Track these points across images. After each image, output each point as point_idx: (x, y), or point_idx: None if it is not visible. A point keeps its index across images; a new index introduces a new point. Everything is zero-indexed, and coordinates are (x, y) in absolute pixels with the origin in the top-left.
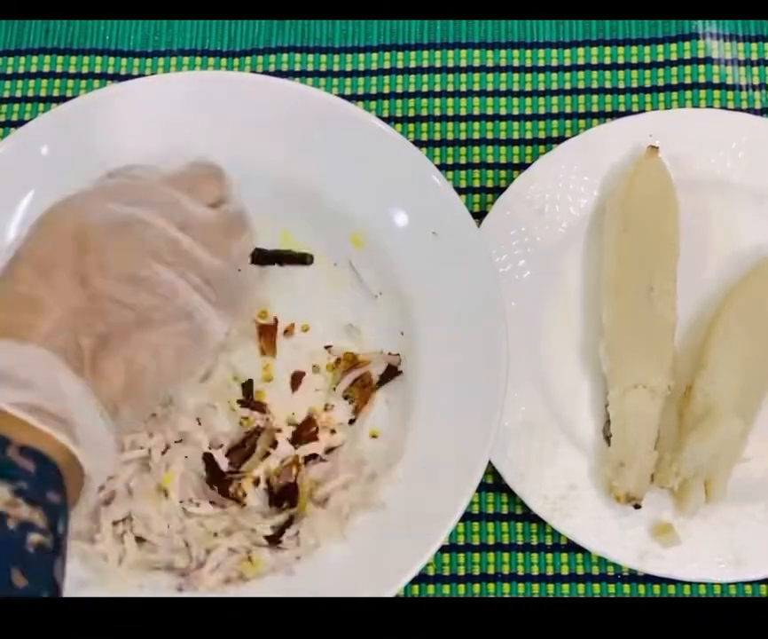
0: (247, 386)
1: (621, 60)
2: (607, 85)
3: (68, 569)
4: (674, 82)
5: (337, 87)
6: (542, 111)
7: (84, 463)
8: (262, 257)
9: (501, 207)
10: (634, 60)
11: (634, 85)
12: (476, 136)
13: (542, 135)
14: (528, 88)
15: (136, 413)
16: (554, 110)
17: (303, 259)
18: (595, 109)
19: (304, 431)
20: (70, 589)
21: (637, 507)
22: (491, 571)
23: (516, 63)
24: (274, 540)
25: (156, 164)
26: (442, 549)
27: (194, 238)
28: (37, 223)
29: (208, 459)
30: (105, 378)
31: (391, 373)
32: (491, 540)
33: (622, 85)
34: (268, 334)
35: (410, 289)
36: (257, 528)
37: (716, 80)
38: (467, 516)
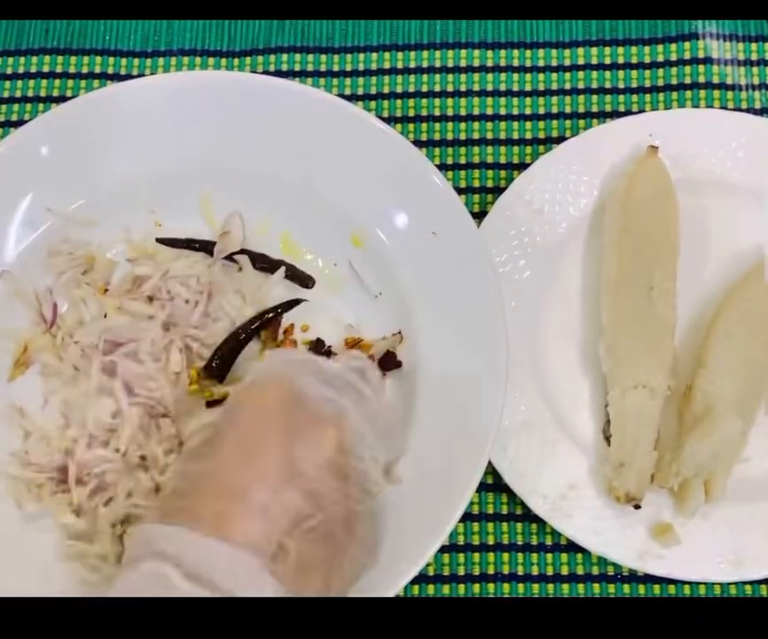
0: None
1: (621, 60)
2: (607, 85)
3: (69, 569)
4: (674, 82)
5: (337, 87)
6: (542, 111)
7: None
8: (267, 264)
9: (501, 207)
10: (634, 60)
11: (634, 85)
12: (476, 136)
13: (542, 135)
14: (528, 88)
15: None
16: (554, 110)
17: (305, 282)
18: (595, 109)
19: None
20: (70, 590)
21: (637, 507)
22: (491, 571)
23: (516, 63)
24: None
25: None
26: (442, 549)
27: (373, 431)
28: (238, 398)
29: None
30: (304, 588)
31: (390, 360)
32: (491, 540)
33: (621, 85)
34: (271, 327)
35: (410, 289)
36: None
37: (716, 80)
38: (467, 516)
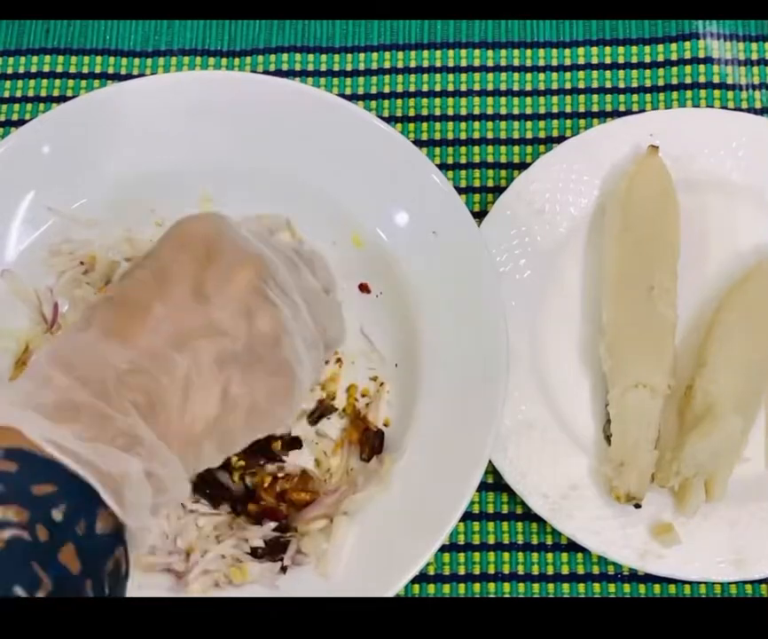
0: None
1: (621, 60)
2: (607, 85)
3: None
4: (674, 81)
5: (337, 87)
6: (542, 110)
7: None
8: None
9: (501, 206)
10: (634, 60)
11: (634, 85)
12: (476, 135)
13: (542, 134)
14: (529, 87)
15: (219, 450)
16: (554, 110)
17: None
18: (595, 109)
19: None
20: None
21: (637, 506)
22: (492, 570)
23: (516, 63)
24: (260, 555)
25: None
26: (443, 549)
27: (307, 309)
28: (168, 230)
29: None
30: (193, 412)
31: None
32: (492, 540)
33: (622, 85)
34: None
35: (410, 289)
36: (249, 538)
37: (716, 80)
38: (468, 516)
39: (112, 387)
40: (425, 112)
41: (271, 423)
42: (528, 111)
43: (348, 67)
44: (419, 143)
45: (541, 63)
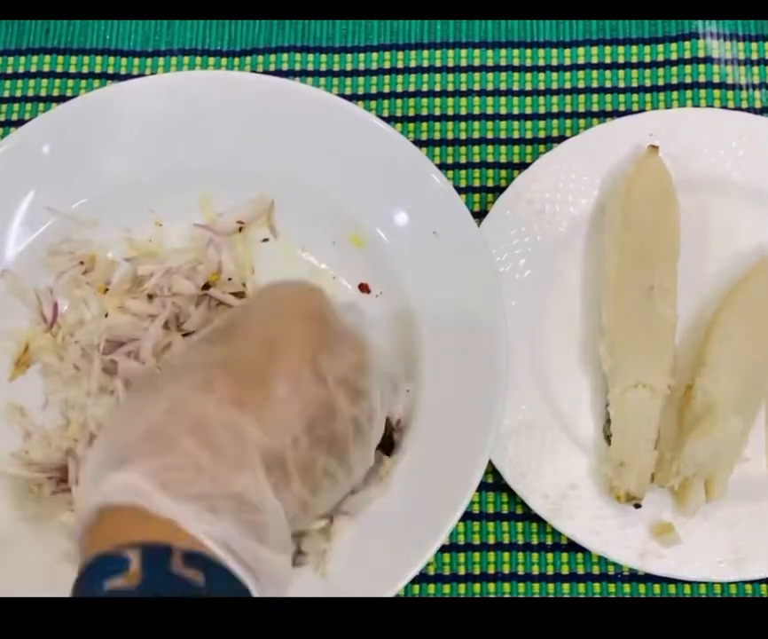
0: None
1: (621, 60)
2: (607, 85)
3: (69, 570)
4: (674, 81)
5: (337, 87)
6: (542, 110)
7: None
8: None
9: (501, 206)
10: (634, 60)
11: (634, 85)
12: (476, 135)
13: (542, 134)
14: (529, 87)
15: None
16: (554, 109)
17: None
18: (595, 109)
19: None
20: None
21: (637, 506)
22: (492, 570)
23: (516, 62)
24: None
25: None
26: (443, 549)
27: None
28: (270, 293)
29: None
30: (296, 495)
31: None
32: (492, 540)
33: (622, 85)
34: None
35: (410, 289)
36: None
37: (716, 79)
38: (468, 516)
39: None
40: (425, 112)
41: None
42: (528, 111)
43: (348, 67)
44: (418, 143)
45: (541, 63)
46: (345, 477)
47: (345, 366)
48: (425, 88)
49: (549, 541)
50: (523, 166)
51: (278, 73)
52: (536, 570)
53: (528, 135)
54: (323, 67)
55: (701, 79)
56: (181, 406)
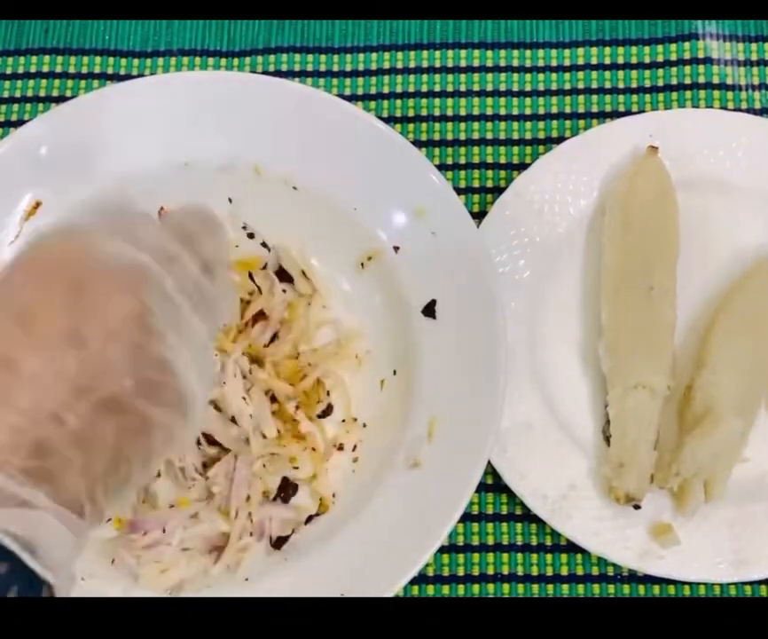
0: None
1: (620, 60)
2: (607, 85)
3: None
4: (674, 82)
5: (337, 87)
6: (541, 111)
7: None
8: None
9: (501, 207)
10: (634, 60)
11: (634, 85)
12: (476, 136)
13: (541, 135)
14: (528, 88)
15: (116, 503)
16: (554, 110)
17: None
18: (595, 109)
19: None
20: None
21: (636, 507)
22: (491, 571)
23: (516, 63)
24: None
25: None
26: (442, 550)
27: (191, 305)
28: (21, 257)
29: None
30: (71, 477)
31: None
32: (491, 541)
33: (621, 85)
34: None
35: (409, 290)
36: None
37: (715, 80)
38: (467, 517)
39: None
40: (424, 112)
41: (167, 447)
42: (528, 111)
43: (348, 68)
44: (418, 143)
45: (540, 63)
46: (149, 436)
47: (113, 316)
48: (424, 88)
49: (548, 542)
50: (523, 167)
51: (278, 73)
52: (535, 571)
53: (528, 136)
54: (322, 68)
55: (701, 80)
56: None
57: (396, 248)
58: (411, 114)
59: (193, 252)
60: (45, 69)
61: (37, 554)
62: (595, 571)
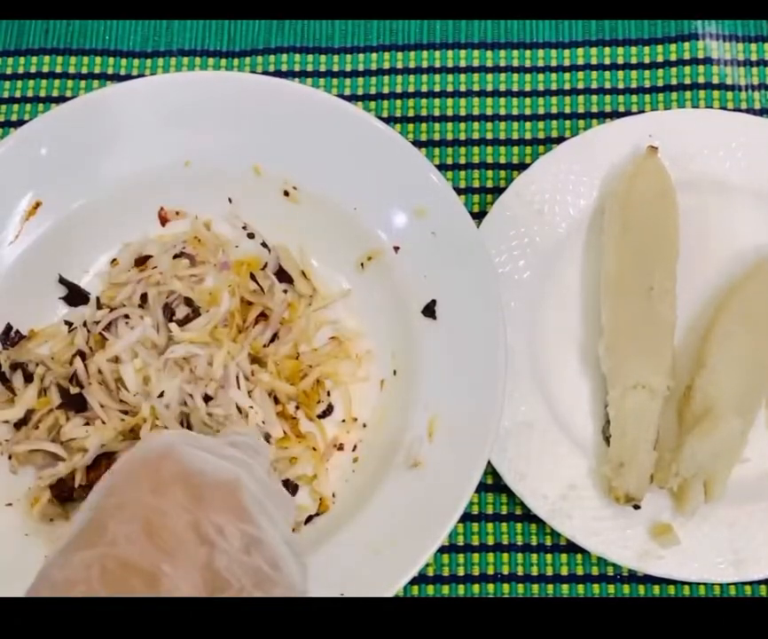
0: None
1: (620, 61)
2: (607, 85)
3: None
4: (673, 82)
5: (337, 87)
6: (541, 111)
7: None
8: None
9: (501, 207)
10: (633, 61)
11: (633, 85)
12: (476, 136)
13: (541, 135)
14: (528, 88)
15: None
16: (554, 110)
17: None
18: (594, 109)
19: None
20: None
21: (636, 507)
22: (491, 571)
23: (516, 63)
24: None
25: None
26: (442, 550)
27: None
28: (128, 469)
29: None
30: None
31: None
32: (491, 541)
33: (621, 85)
34: None
35: (409, 290)
36: None
37: (715, 80)
38: (467, 517)
39: None
40: (424, 112)
41: None
42: (528, 112)
43: (348, 68)
44: (418, 143)
45: (540, 64)
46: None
47: (229, 515)
48: (424, 89)
49: (548, 542)
50: (523, 167)
51: (278, 73)
52: (535, 571)
53: (528, 136)
54: (322, 68)
55: (701, 80)
56: None
57: (396, 249)
58: (411, 114)
59: (243, 450)
60: (45, 69)
61: None
62: (595, 571)
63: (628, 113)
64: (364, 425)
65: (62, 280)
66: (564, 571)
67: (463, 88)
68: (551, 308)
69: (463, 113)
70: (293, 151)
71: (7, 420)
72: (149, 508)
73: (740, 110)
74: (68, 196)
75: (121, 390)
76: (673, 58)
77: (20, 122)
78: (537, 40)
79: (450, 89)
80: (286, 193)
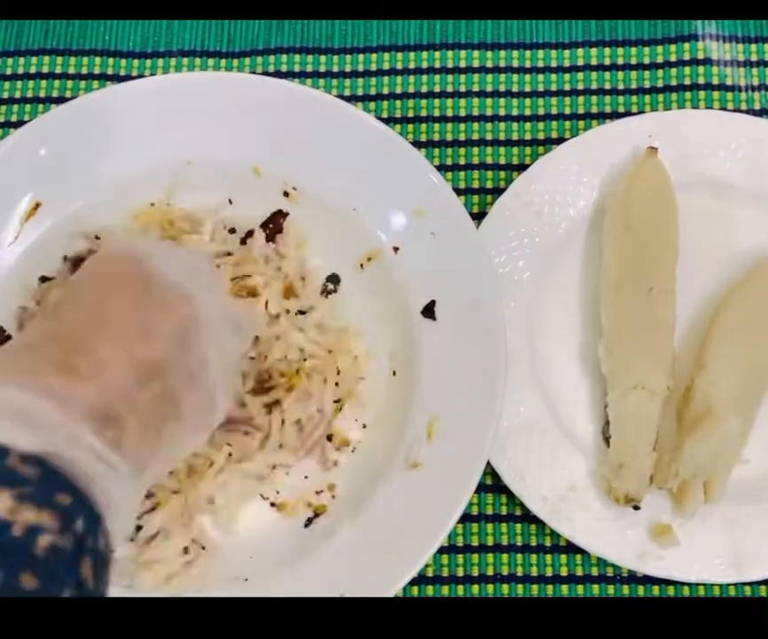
0: None
1: (620, 61)
2: (607, 86)
3: None
4: (673, 83)
5: (336, 88)
6: (541, 112)
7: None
8: None
9: (500, 208)
10: (633, 61)
11: (633, 86)
12: (475, 136)
13: (541, 136)
14: (528, 89)
15: (161, 472)
16: (554, 111)
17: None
18: (594, 110)
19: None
20: None
21: (636, 508)
22: (490, 572)
23: (516, 64)
24: None
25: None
26: (441, 550)
27: (225, 324)
28: (93, 265)
29: None
30: (139, 451)
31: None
32: (490, 541)
33: (621, 86)
34: None
35: (408, 291)
36: None
37: (715, 81)
38: (466, 518)
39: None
40: (424, 113)
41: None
42: (528, 112)
43: (347, 68)
44: (417, 144)
45: (540, 64)
46: (185, 422)
47: (171, 320)
48: (424, 89)
49: (548, 543)
50: (522, 167)
51: (278, 74)
52: (534, 571)
53: (528, 136)
54: (322, 68)
55: (701, 81)
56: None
57: (396, 249)
58: (410, 114)
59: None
60: (45, 70)
61: (96, 492)
62: (594, 571)
63: (628, 113)
64: (364, 426)
65: None
66: (564, 572)
67: (463, 88)
68: (551, 308)
69: (463, 113)
70: (292, 152)
71: None
72: (97, 296)
73: (740, 111)
74: (68, 197)
75: None
76: (673, 58)
77: (20, 123)
78: (537, 40)
79: (449, 89)
80: (286, 194)
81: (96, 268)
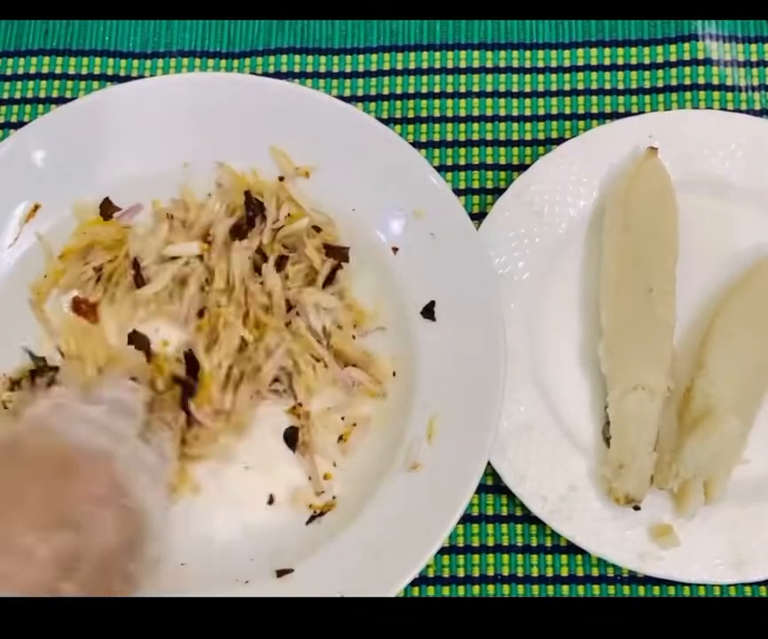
0: None
1: (620, 61)
2: (607, 86)
3: None
4: (673, 83)
5: (336, 88)
6: (541, 112)
7: None
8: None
9: (500, 208)
10: (633, 61)
11: (633, 86)
12: (476, 137)
13: (541, 136)
14: (528, 89)
15: None
16: (554, 111)
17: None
18: (594, 110)
19: None
20: None
21: (636, 508)
22: (491, 572)
23: (516, 64)
24: None
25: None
26: (442, 551)
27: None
28: (5, 449)
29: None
30: None
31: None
32: (491, 542)
33: (621, 86)
34: None
35: (408, 291)
36: None
37: (715, 81)
38: (467, 518)
39: None
40: (424, 113)
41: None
42: (528, 112)
43: (348, 69)
44: (418, 144)
45: (540, 64)
46: (138, 561)
47: (95, 486)
48: (424, 89)
49: (548, 543)
50: (522, 168)
51: (278, 74)
52: (535, 572)
53: (528, 137)
54: (322, 69)
55: (701, 81)
56: None
57: (395, 250)
58: (410, 115)
59: (126, 418)
60: (45, 70)
61: None
62: (595, 572)
63: (628, 113)
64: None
65: None
66: (564, 572)
67: (463, 89)
68: (551, 309)
69: (463, 114)
70: (292, 152)
71: None
72: (13, 484)
73: (740, 111)
74: (67, 198)
75: None
76: (673, 58)
77: (20, 124)
78: (537, 41)
79: (449, 90)
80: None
81: (10, 453)
